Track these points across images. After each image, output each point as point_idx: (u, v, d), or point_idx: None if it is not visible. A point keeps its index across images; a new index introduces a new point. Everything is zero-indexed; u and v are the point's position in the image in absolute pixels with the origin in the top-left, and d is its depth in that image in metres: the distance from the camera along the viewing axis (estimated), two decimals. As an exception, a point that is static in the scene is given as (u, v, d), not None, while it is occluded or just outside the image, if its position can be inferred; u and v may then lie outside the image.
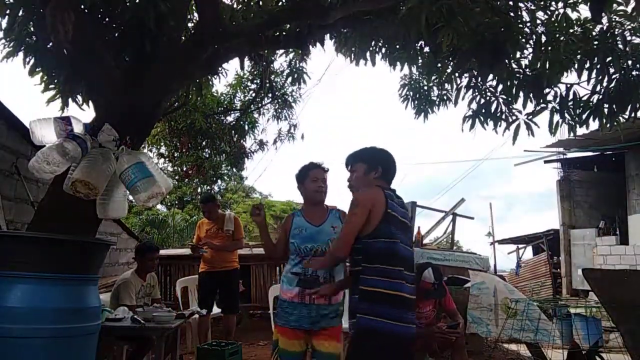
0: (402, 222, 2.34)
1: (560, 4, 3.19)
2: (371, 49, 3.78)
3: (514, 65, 3.48)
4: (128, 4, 3.23)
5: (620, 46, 3.17)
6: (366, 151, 2.52)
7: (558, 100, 3.51)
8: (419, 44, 3.75)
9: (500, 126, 3.73)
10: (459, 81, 3.89)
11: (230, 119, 8.16)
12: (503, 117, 3.71)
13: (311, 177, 2.90)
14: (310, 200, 2.94)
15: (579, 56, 3.27)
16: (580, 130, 3.65)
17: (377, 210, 2.26)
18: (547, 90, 3.45)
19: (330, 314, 2.75)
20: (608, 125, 3.44)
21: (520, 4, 3.21)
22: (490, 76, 3.50)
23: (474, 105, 3.79)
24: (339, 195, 3.16)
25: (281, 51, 4.71)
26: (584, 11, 3.20)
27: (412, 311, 2.27)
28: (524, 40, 3.28)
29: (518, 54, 3.40)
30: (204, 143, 7.93)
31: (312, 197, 2.93)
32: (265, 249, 3.14)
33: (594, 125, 3.53)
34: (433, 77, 4.22)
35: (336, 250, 2.43)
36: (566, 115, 3.51)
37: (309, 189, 2.91)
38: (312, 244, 2.78)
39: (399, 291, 2.20)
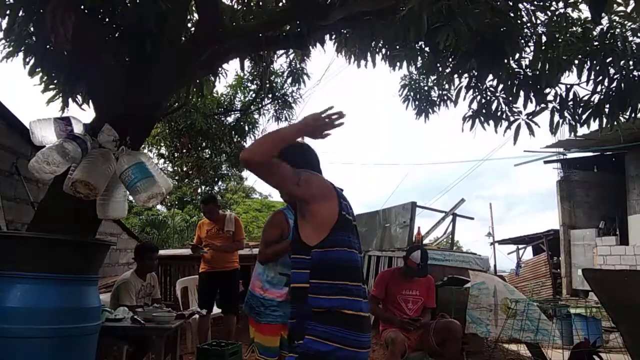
0: (354, 226, 1.97)
1: (561, 4, 3.19)
2: (371, 49, 3.78)
3: (514, 66, 3.48)
4: (128, 4, 3.23)
5: (621, 46, 3.17)
6: (288, 152, 2.02)
7: (558, 100, 3.51)
8: (419, 44, 3.76)
9: (500, 126, 3.73)
10: (458, 81, 3.89)
11: (230, 119, 8.17)
12: (504, 117, 3.71)
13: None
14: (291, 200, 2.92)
15: (579, 56, 3.27)
16: (581, 131, 3.66)
17: (323, 209, 1.86)
18: (547, 90, 3.45)
19: None
20: (609, 126, 3.45)
21: (520, 5, 3.21)
22: (491, 76, 3.51)
23: (474, 105, 3.79)
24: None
25: (281, 52, 4.71)
26: (584, 11, 3.21)
27: (369, 332, 1.91)
28: (523, 41, 3.28)
29: (518, 54, 3.40)
30: (204, 144, 7.94)
31: None
32: (280, 253, 2.92)
33: (594, 125, 3.53)
34: (433, 77, 4.23)
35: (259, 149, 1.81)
36: (566, 115, 3.52)
37: None
38: None
39: (359, 311, 1.83)
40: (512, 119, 3.68)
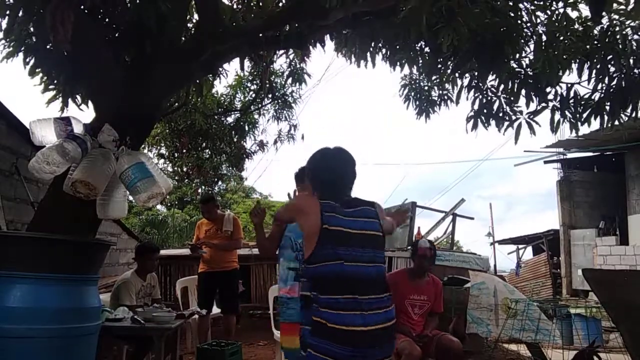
0: (353, 235, 1.97)
1: (561, 4, 3.19)
2: (371, 49, 3.78)
3: (514, 65, 3.48)
4: (128, 4, 3.23)
5: (621, 45, 3.17)
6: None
7: (559, 99, 3.51)
8: (419, 45, 3.76)
9: (502, 126, 3.73)
10: (459, 81, 3.89)
11: (230, 119, 8.18)
12: (506, 116, 3.70)
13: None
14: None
15: (579, 56, 3.27)
16: (582, 130, 3.66)
17: (306, 225, 1.98)
18: (548, 89, 3.45)
19: None
20: (609, 125, 3.45)
21: (520, 4, 3.21)
22: (492, 76, 3.50)
23: (475, 106, 3.79)
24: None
25: (281, 52, 4.71)
26: (585, 10, 3.21)
27: (368, 347, 1.87)
28: (523, 40, 3.29)
29: (518, 54, 3.41)
30: (204, 144, 7.94)
31: None
32: (260, 246, 3.08)
33: (595, 124, 3.53)
34: (434, 78, 4.22)
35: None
36: (567, 113, 3.51)
37: (309, 188, 2.92)
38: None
39: (351, 325, 1.82)
40: (513, 118, 3.68)
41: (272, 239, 2.97)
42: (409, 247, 4.21)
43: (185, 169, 8.39)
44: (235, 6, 3.91)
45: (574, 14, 3.21)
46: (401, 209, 2.79)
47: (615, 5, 3.06)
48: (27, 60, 3.19)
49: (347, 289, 1.89)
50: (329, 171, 2.16)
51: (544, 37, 3.25)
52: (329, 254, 1.92)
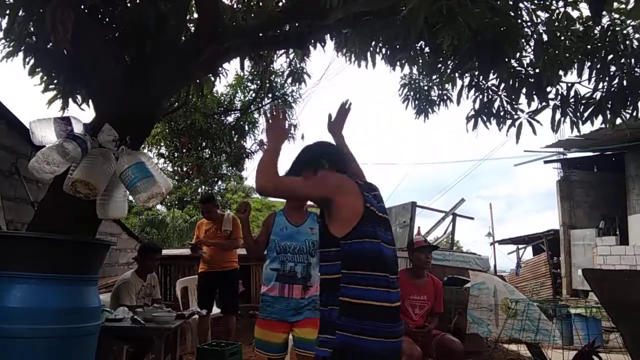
0: (382, 218, 2.03)
1: (561, 3, 3.19)
2: (371, 49, 3.78)
3: (515, 65, 3.48)
4: (128, 4, 3.23)
5: (621, 44, 3.17)
6: (299, 157, 2.20)
7: (559, 98, 3.51)
8: (419, 45, 3.75)
9: (503, 125, 3.72)
10: (459, 81, 3.89)
11: (230, 119, 8.18)
12: (507, 116, 3.70)
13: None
14: (292, 202, 3.18)
15: (580, 55, 3.27)
16: (583, 129, 3.66)
17: (348, 203, 1.94)
18: (548, 88, 3.45)
19: (308, 306, 3.01)
20: (609, 125, 3.45)
21: (521, 4, 3.21)
22: (492, 75, 3.50)
23: (476, 105, 3.78)
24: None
25: (281, 51, 4.71)
26: (585, 10, 3.21)
27: (400, 322, 1.97)
28: (524, 40, 3.28)
29: (519, 54, 3.40)
30: (204, 143, 7.93)
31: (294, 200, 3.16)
32: (246, 245, 3.27)
33: (595, 124, 3.53)
34: (434, 77, 4.22)
35: (262, 176, 1.93)
36: (568, 113, 3.51)
37: None
38: (290, 242, 3.05)
39: (386, 302, 1.89)
40: (515, 117, 3.67)
41: (258, 242, 3.19)
42: (407, 248, 4.22)
43: (185, 169, 8.40)
44: (235, 6, 3.90)
45: (574, 14, 3.21)
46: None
47: (615, 4, 3.06)
48: (27, 60, 3.19)
49: (383, 267, 1.94)
50: (340, 154, 2.19)
51: (544, 37, 3.25)
52: (369, 232, 1.93)
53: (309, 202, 3.08)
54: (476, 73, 3.63)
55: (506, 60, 3.25)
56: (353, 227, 1.92)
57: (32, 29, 3.12)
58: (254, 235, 3.29)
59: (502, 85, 3.59)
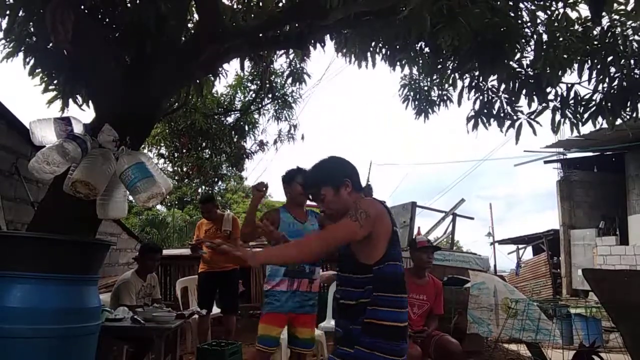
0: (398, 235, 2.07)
1: (561, 4, 3.19)
2: (371, 49, 3.78)
3: (515, 65, 3.48)
4: (128, 4, 3.23)
5: (621, 45, 3.17)
6: (321, 171, 2.14)
7: (559, 99, 3.51)
8: (419, 45, 3.75)
9: (503, 126, 3.72)
10: (459, 82, 3.89)
11: (230, 119, 8.19)
12: (507, 116, 3.70)
13: (297, 180, 3.21)
14: (295, 201, 3.30)
15: (579, 56, 3.27)
16: (583, 130, 3.65)
17: (382, 229, 1.94)
18: (548, 89, 3.45)
19: (310, 300, 3.21)
20: (610, 126, 3.45)
21: (521, 5, 3.21)
22: (492, 76, 3.50)
23: (476, 105, 3.78)
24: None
25: (281, 52, 4.71)
26: (584, 10, 3.21)
27: (406, 340, 2.02)
28: (524, 40, 3.28)
29: (519, 54, 3.40)
30: (204, 144, 7.93)
31: (297, 199, 3.28)
32: (245, 226, 3.33)
33: (596, 124, 3.53)
34: (434, 78, 4.22)
35: (314, 247, 1.96)
36: (568, 114, 3.51)
37: (295, 191, 3.24)
38: (297, 238, 3.07)
39: (403, 322, 1.97)
40: (515, 117, 3.67)
41: (257, 230, 3.23)
42: (408, 247, 4.21)
43: (185, 169, 8.39)
44: (235, 6, 3.90)
45: (573, 15, 3.21)
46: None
47: (615, 5, 3.06)
48: (27, 60, 3.18)
49: (403, 289, 2.01)
50: (356, 170, 2.17)
51: (544, 37, 3.25)
52: (397, 254, 1.99)
53: (308, 202, 3.12)
54: (476, 74, 3.63)
55: (506, 61, 3.25)
56: (384, 252, 1.95)
57: (32, 29, 3.12)
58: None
59: (502, 86, 3.59)
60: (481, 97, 3.77)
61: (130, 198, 2.97)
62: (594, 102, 3.43)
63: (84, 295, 2.55)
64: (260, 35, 3.54)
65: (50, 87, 3.39)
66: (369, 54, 3.79)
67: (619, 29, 3.19)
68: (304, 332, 3.22)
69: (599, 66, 3.25)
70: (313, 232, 3.16)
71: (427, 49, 3.76)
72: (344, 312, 2.03)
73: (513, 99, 3.60)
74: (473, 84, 3.76)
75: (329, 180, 2.07)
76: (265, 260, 2.05)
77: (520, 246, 16.15)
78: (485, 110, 3.74)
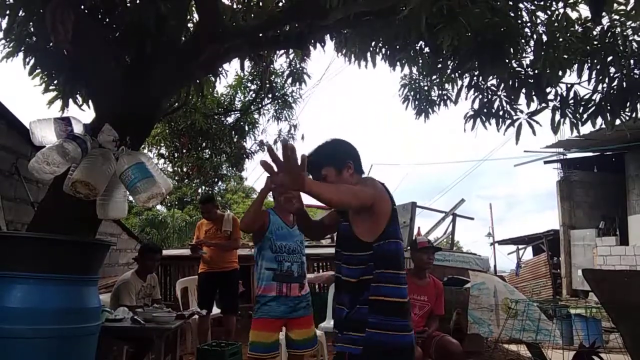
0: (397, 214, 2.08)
1: (561, 4, 3.19)
2: (371, 49, 3.78)
3: (514, 65, 3.48)
4: (128, 4, 3.23)
5: (621, 45, 3.17)
6: (325, 150, 2.12)
7: (559, 99, 3.51)
8: (419, 45, 3.75)
9: (502, 125, 3.72)
10: (459, 81, 3.89)
11: (230, 119, 8.17)
12: (506, 116, 3.70)
13: None
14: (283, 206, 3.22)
15: (579, 56, 3.27)
16: (583, 130, 3.65)
17: (383, 207, 1.97)
18: (548, 89, 3.45)
19: (302, 303, 3.14)
20: (609, 125, 3.44)
21: (520, 5, 3.21)
22: (492, 76, 3.50)
23: (475, 105, 3.78)
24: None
25: (281, 51, 4.71)
26: (584, 11, 3.21)
27: (410, 316, 2.08)
28: (524, 40, 3.28)
29: (519, 54, 3.40)
30: (204, 144, 7.93)
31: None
32: (250, 212, 3.21)
33: (596, 124, 3.53)
34: (434, 77, 4.22)
35: (343, 195, 1.82)
36: (568, 113, 3.51)
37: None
38: (286, 242, 3.13)
39: (405, 298, 2.01)
40: (514, 117, 3.67)
41: (256, 217, 3.14)
42: (408, 247, 4.20)
43: (185, 169, 8.38)
44: (235, 6, 3.90)
45: (574, 15, 3.21)
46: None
47: (615, 5, 3.05)
48: (27, 60, 3.19)
49: (402, 265, 2.04)
50: (358, 153, 2.17)
51: (544, 37, 3.25)
52: (396, 231, 2.02)
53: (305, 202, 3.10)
54: (476, 73, 3.63)
55: (506, 60, 3.25)
56: (383, 229, 1.96)
57: (32, 29, 3.12)
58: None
59: (502, 85, 3.59)
60: (480, 97, 3.77)
61: (130, 198, 2.97)
62: (593, 102, 3.43)
63: (84, 295, 2.55)
64: (260, 35, 3.54)
65: (51, 87, 3.39)
66: (369, 54, 3.79)
67: (618, 29, 3.19)
68: (299, 334, 3.16)
69: (598, 66, 3.25)
70: (298, 237, 3.22)
71: (427, 49, 3.76)
72: (350, 289, 2.02)
73: (512, 98, 3.59)
74: (473, 83, 3.76)
75: (332, 161, 2.07)
76: (311, 186, 1.71)
77: (520, 246, 16.14)
78: (485, 110, 3.74)
